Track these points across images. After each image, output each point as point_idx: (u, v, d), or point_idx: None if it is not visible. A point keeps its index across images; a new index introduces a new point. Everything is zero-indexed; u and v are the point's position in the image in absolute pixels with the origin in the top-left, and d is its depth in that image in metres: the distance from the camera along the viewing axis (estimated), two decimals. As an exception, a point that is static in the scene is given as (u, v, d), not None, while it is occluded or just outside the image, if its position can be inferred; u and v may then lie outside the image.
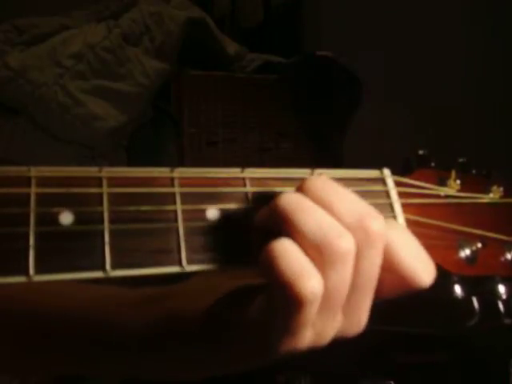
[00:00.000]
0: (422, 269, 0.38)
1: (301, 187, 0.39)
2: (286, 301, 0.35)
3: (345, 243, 0.36)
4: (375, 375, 1.11)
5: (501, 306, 0.39)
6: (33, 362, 0.54)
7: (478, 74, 1.91)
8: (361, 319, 0.39)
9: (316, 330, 0.38)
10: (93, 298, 0.53)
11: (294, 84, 1.83)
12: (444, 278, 0.39)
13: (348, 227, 0.37)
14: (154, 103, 1.72)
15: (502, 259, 0.43)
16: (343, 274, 0.36)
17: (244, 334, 0.41)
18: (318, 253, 0.36)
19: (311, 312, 0.36)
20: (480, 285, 0.40)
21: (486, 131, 1.86)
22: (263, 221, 0.38)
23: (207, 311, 0.43)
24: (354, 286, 0.38)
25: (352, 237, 0.36)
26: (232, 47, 1.83)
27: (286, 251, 0.35)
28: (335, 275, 0.36)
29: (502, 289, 0.40)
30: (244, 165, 0.41)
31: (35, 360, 0.54)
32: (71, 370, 0.56)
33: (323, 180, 0.39)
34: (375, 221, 0.37)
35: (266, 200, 0.38)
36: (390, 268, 0.38)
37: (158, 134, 1.73)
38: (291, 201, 0.37)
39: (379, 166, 0.43)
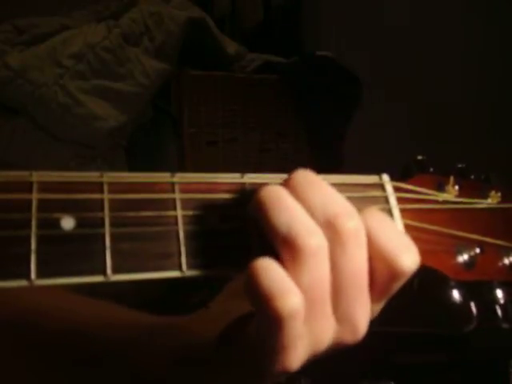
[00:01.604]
0: (403, 252, 0.37)
1: (285, 181, 0.38)
2: (266, 320, 0.35)
3: (313, 241, 0.35)
4: (375, 375, 1.11)
5: (499, 310, 0.40)
6: (33, 376, 0.54)
7: (477, 76, 1.92)
8: (357, 324, 0.38)
9: (306, 340, 0.37)
10: (103, 318, 0.52)
11: (294, 84, 1.83)
12: (442, 283, 0.40)
13: (320, 225, 0.36)
14: (153, 103, 1.72)
15: (500, 264, 0.43)
16: (316, 274, 0.35)
17: (242, 357, 0.40)
18: (287, 250, 0.35)
19: (295, 329, 0.35)
20: (478, 290, 0.40)
21: (485, 134, 1.86)
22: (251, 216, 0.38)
23: (218, 337, 0.42)
24: (337, 287, 0.37)
25: (322, 235, 0.36)
26: (232, 47, 1.83)
27: (266, 269, 0.34)
28: (307, 275, 0.35)
29: (499, 294, 0.40)
30: (244, 165, 0.42)
31: (35, 374, 0.53)
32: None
33: (305, 174, 0.38)
34: (348, 219, 0.36)
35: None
36: (373, 257, 0.37)
37: (158, 133, 1.73)
38: (270, 194, 0.37)
39: (378, 166, 0.43)
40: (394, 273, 0.37)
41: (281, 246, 0.36)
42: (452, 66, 1.98)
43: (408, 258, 0.37)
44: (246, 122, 1.80)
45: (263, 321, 0.35)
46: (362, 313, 0.38)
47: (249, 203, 0.38)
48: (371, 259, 0.37)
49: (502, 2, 1.87)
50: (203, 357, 0.44)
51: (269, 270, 0.35)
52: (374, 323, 0.39)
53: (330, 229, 0.36)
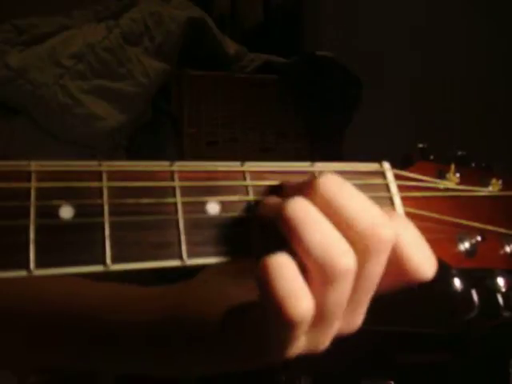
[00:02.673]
0: (425, 261, 0.37)
1: (310, 188, 0.37)
2: (275, 318, 0.35)
3: (346, 262, 0.35)
4: (375, 375, 1.11)
5: (500, 298, 0.39)
6: (33, 356, 0.54)
7: (478, 70, 1.92)
8: (357, 320, 0.39)
9: (311, 339, 0.38)
10: (95, 293, 0.53)
11: (294, 84, 1.83)
12: (443, 271, 0.39)
13: (358, 235, 0.36)
14: (153, 103, 1.72)
15: (501, 252, 0.43)
16: (342, 292, 0.36)
17: (243, 340, 0.41)
18: (319, 269, 0.35)
19: (301, 329, 0.36)
20: (479, 278, 0.40)
21: (486, 134, 1.86)
22: (265, 215, 0.38)
23: (222, 319, 0.43)
24: (354, 293, 0.37)
25: (354, 254, 0.35)
26: (232, 47, 1.83)
27: (281, 268, 0.34)
28: (334, 293, 0.36)
29: (501, 282, 0.40)
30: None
31: (36, 355, 0.54)
32: (68, 366, 0.55)
33: (334, 182, 0.37)
34: (386, 229, 0.36)
35: (266, 193, 0.39)
36: (394, 262, 0.37)
37: (157, 133, 1.73)
38: (299, 211, 0.36)
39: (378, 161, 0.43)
40: (410, 279, 0.38)
41: (312, 265, 0.35)
42: (452, 65, 1.98)
43: (428, 267, 0.38)
44: (245, 122, 1.80)
45: (271, 318, 0.36)
46: (364, 309, 0.39)
47: (261, 206, 0.38)
48: (388, 263, 0.37)
49: (501, 1, 1.87)
50: (203, 335, 0.45)
51: (284, 269, 0.34)
52: (375, 322, 0.39)
53: (362, 242, 0.36)
